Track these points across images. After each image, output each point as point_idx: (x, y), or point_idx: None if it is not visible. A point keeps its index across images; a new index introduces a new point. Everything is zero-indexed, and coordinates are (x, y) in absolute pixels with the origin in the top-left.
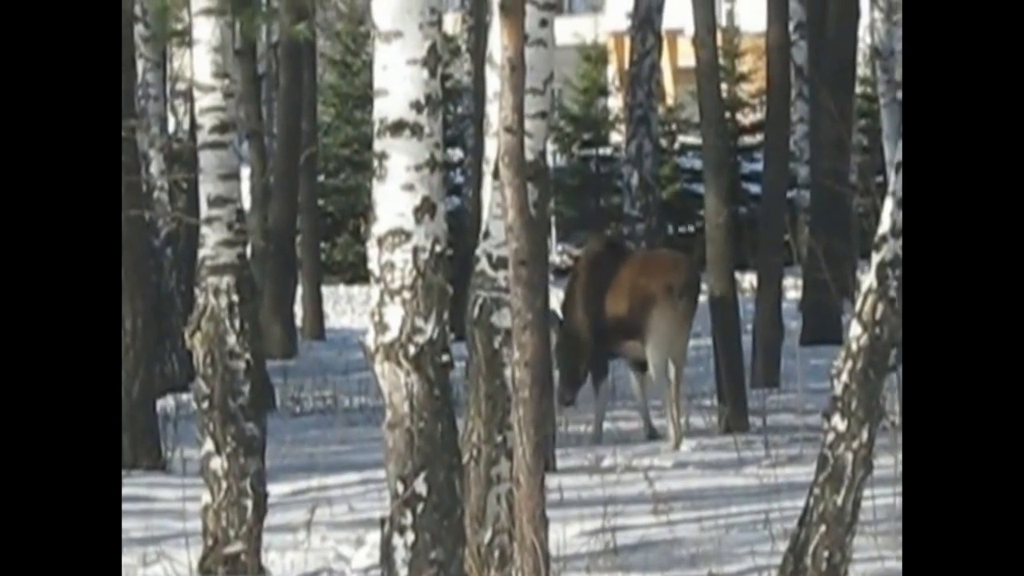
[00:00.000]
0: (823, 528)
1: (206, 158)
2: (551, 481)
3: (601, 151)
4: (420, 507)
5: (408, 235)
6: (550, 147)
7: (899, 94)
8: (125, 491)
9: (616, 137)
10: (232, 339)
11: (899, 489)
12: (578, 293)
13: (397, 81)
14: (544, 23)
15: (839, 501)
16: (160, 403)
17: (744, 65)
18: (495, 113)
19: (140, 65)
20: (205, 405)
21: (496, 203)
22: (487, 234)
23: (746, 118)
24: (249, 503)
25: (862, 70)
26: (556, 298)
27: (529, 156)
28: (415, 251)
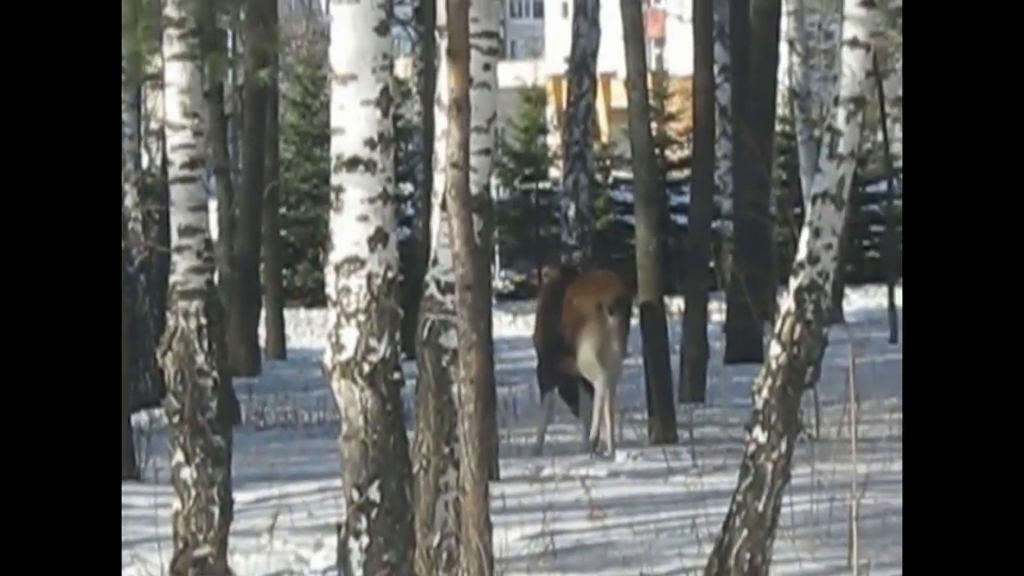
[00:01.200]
0: (745, 532)
1: (177, 191)
2: (494, 489)
3: (541, 185)
4: (374, 513)
5: (363, 262)
6: (494, 181)
7: (816, 131)
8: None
9: (554, 172)
10: (200, 358)
11: (816, 496)
12: (538, 315)
13: (352, 120)
14: (487, 67)
15: (760, 507)
16: (135, 417)
17: (672, 105)
18: (443, 150)
19: (121, 106)
20: (176, 419)
21: (444, 233)
22: (435, 261)
23: (674, 154)
24: (216, 510)
25: (781, 110)
26: (499, 321)
27: (474, 189)
28: (369, 277)
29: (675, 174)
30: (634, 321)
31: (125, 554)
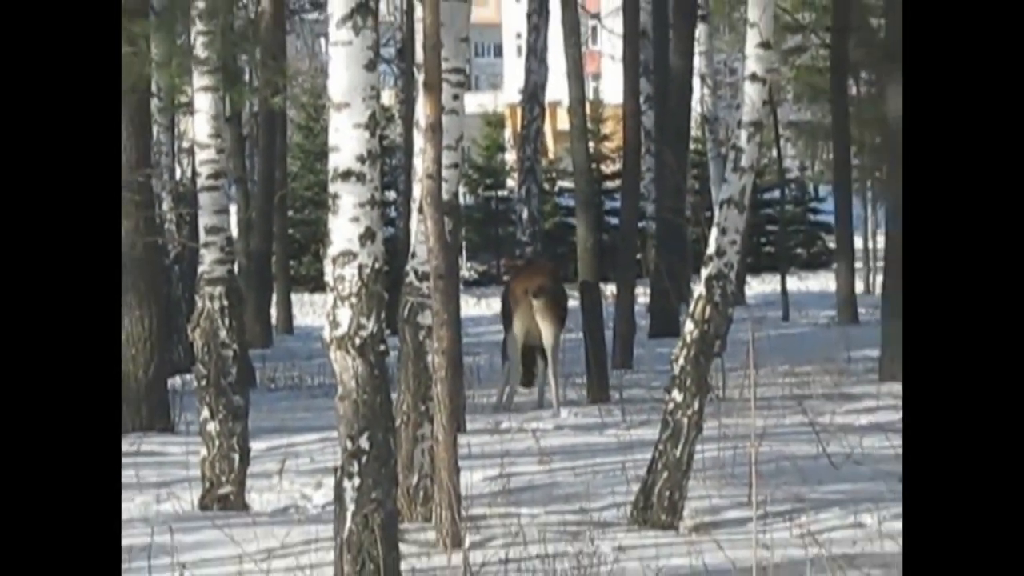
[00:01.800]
0: (666, 474)
1: (204, 198)
2: (462, 439)
3: (499, 193)
4: (363, 459)
5: (355, 255)
6: (461, 189)
7: (722, 149)
8: (144, 447)
9: (510, 182)
10: (223, 333)
11: (722, 445)
12: (502, 299)
13: (346, 140)
14: (456, 97)
15: (677, 454)
16: (170, 382)
17: (606, 128)
18: (420, 164)
19: (155, 128)
20: (203, 383)
21: (420, 231)
22: (414, 255)
23: (608, 168)
24: (236, 456)
25: (694, 132)
26: (466, 303)
27: (445, 196)
28: (360, 268)
29: (608, 184)
30: (575, 303)
31: (163, 492)
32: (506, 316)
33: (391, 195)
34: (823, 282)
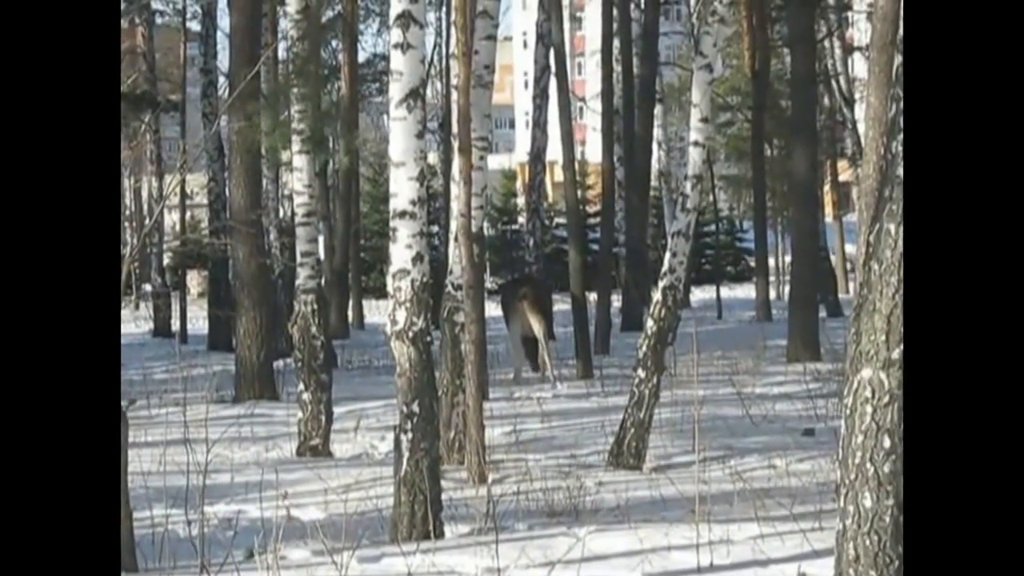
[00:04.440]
0: (632, 430)
1: (299, 231)
2: (486, 405)
3: (512, 227)
4: (415, 419)
5: (408, 272)
6: (485, 224)
7: (673, 195)
8: (256, 411)
9: (521, 219)
10: (314, 328)
11: (673, 409)
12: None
13: (402, 189)
14: (482, 157)
15: (642, 415)
16: (276, 363)
17: (590, 180)
18: (455, 206)
19: (264, 180)
20: (299, 364)
21: (456, 255)
22: (451, 272)
23: (591, 208)
24: (323, 417)
25: (654, 183)
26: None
27: (474, 229)
28: (412, 281)
29: (591, 220)
30: (566, 306)
31: (269, 443)
32: (506, 317)
33: (435, 228)
34: (746, 290)
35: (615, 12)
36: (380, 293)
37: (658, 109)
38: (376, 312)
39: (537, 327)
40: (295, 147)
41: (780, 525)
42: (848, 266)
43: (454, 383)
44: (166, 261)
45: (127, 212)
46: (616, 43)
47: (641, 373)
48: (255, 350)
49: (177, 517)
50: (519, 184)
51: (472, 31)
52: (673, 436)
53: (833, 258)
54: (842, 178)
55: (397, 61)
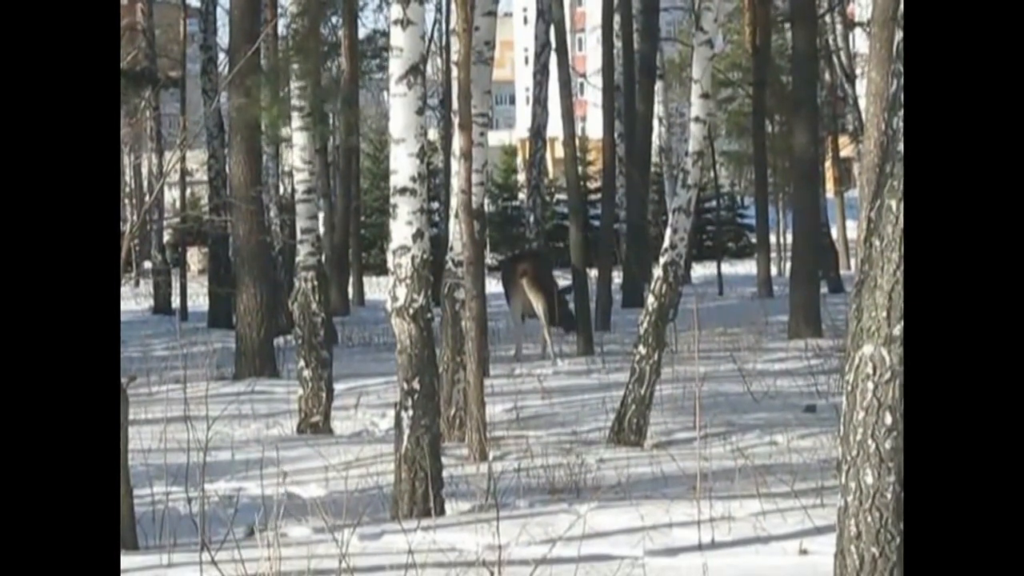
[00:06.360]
0: (633, 407)
1: (299, 208)
2: (487, 381)
3: (513, 203)
4: (415, 396)
5: (408, 249)
6: (485, 201)
7: (674, 171)
8: (256, 388)
9: (521, 196)
10: (314, 305)
11: (674, 385)
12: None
13: (402, 166)
14: (482, 134)
15: (643, 392)
16: (276, 340)
17: (590, 156)
18: (456, 183)
19: (264, 157)
20: (300, 341)
21: (456, 231)
22: (451, 248)
23: (592, 184)
24: (323, 394)
25: (655, 159)
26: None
27: (474, 206)
28: (412, 258)
29: (592, 196)
30: (566, 282)
31: (270, 420)
32: (506, 293)
33: (435, 205)
34: (747, 266)
35: None
36: (381, 270)
37: (659, 85)
38: (377, 289)
39: (538, 303)
40: (295, 124)
41: (781, 502)
42: (849, 242)
43: (455, 360)
44: (166, 238)
45: (127, 189)
46: (617, 18)
47: (642, 349)
48: (255, 327)
49: (177, 494)
50: (519, 160)
51: (472, 7)
52: (674, 413)
53: (835, 233)
54: (843, 154)
55: (397, 37)
